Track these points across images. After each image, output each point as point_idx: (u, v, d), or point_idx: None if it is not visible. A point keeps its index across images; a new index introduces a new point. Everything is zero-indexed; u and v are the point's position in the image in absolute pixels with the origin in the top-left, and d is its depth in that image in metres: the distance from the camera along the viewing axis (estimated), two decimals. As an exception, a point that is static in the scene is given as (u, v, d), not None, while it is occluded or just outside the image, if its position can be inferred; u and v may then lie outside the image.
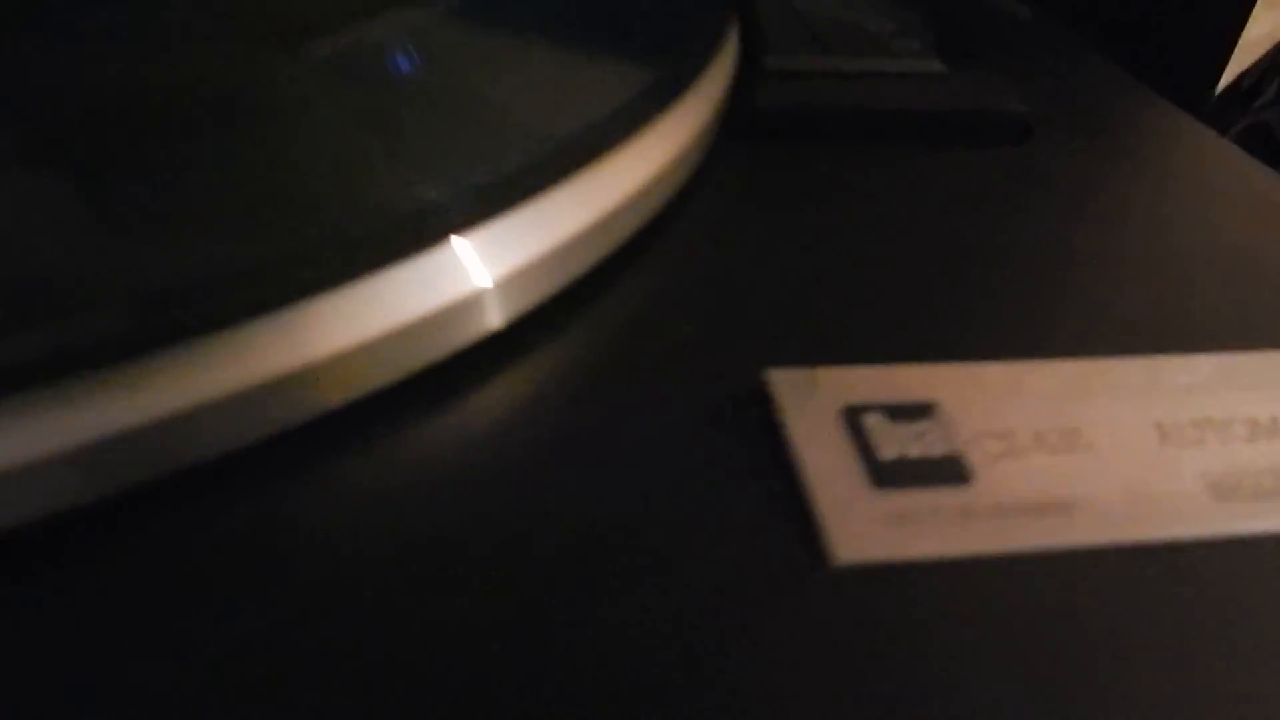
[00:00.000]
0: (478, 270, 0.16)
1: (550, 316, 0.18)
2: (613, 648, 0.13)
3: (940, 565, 0.14)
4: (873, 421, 0.15)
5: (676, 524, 0.14)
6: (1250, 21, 0.43)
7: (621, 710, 0.12)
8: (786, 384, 0.16)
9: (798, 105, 0.23)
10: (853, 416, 0.15)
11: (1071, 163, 0.25)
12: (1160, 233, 0.22)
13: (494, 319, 0.17)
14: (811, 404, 0.16)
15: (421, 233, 0.16)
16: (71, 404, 0.14)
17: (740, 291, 0.19)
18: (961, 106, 0.24)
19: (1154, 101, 0.28)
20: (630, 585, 0.13)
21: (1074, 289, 0.20)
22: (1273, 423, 0.16)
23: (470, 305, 0.16)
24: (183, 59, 0.20)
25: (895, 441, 0.15)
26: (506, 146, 0.18)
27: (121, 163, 0.17)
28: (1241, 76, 0.44)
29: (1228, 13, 0.43)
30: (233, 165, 0.17)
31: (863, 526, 0.14)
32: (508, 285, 0.17)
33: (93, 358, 0.14)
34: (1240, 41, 0.43)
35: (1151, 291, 0.20)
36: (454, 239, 0.16)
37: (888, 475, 0.15)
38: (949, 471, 0.15)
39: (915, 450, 0.15)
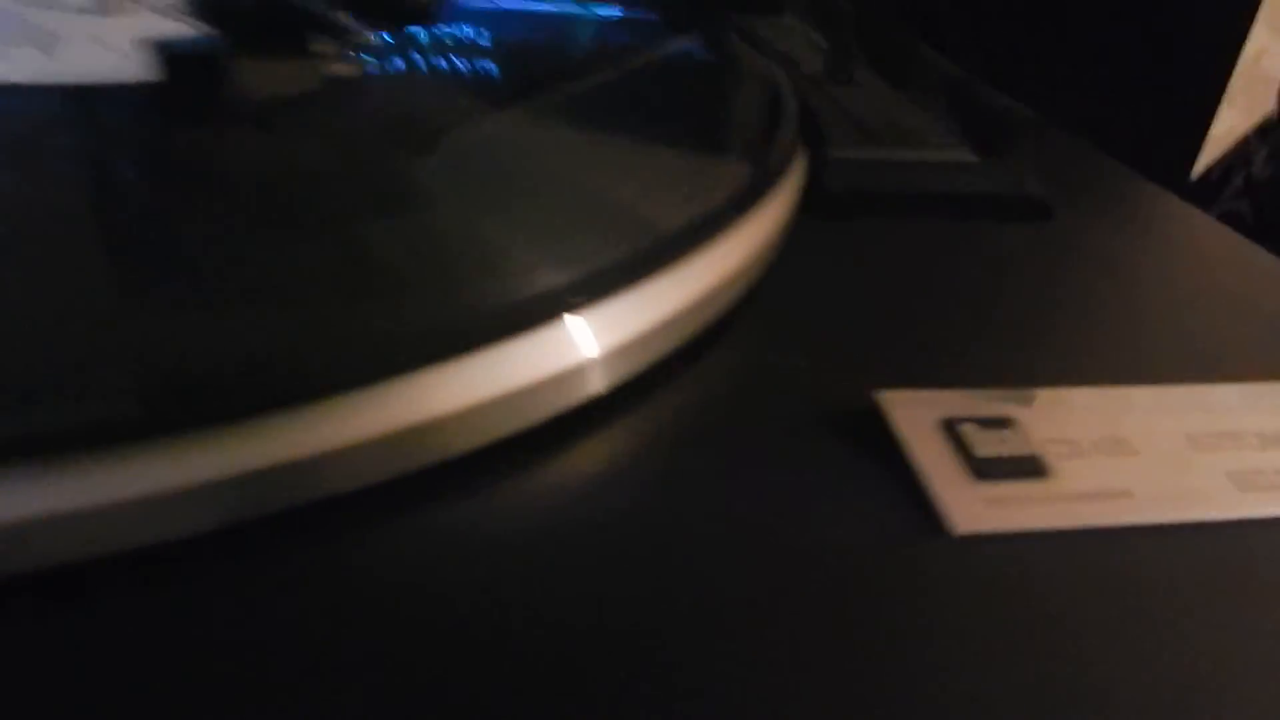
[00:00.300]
0: (588, 343, 0.19)
1: (675, 364, 0.21)
2: (785, 602, 0.16)
3: (1030, 536, 0.18)
4: (968, 429, 0.19)
5: (816, 515, 0.18)
6: (1215, 119, 0.48)
7: (825, 632, 0.16)
8: (894, 402, 0.20)
9: (861, 188, 0.28)
10: (950, 426, 0.19)
11: (1085, 234, 0.29)
12: (1163, 291, 0.27)
13: (599, 383, 0.19)
14: (916, 417, 0.19)
15: (540, 310, 0.19)
16: (228, 443, 0.16)
17: (831, 336, 0.23)
18: (993, 190, 0.29)
19: (1147, 185, 0.33)
20: (782, 567, 0.17)
21: (1104, 332, 0.24)
22: (1276, 435, 0.21)
23: (581, 372, 0.19)
24: (356, 159, 0.24)
25: (987, 444, 0.19)
26: (619, 241, 0.21)
27: (280, 246, 0.20)
28: (1210, 169, 0.50)
29: (1193, 112, 0.48)
30: (380, 254, 0.21)
31: (971, 507, 0.18)
32: (615, 356, 0.20)
33: (260, 402, 0.16)
34: (1207, 137, 0.48)
35: (1165, 334, 0.25)
36: (567, 317, 0.19)
37: (985, 469, 0.18)
38: (1031, 467, 0.19)
39: (1004, 451, 0.19)
